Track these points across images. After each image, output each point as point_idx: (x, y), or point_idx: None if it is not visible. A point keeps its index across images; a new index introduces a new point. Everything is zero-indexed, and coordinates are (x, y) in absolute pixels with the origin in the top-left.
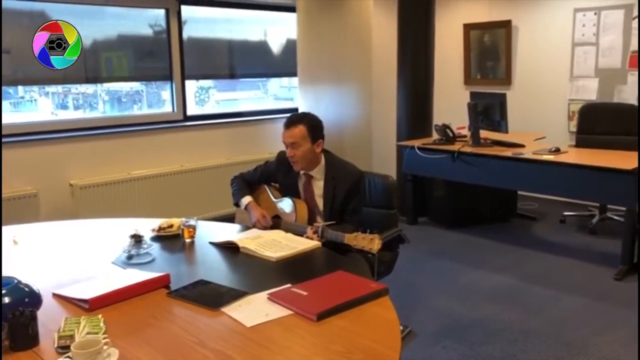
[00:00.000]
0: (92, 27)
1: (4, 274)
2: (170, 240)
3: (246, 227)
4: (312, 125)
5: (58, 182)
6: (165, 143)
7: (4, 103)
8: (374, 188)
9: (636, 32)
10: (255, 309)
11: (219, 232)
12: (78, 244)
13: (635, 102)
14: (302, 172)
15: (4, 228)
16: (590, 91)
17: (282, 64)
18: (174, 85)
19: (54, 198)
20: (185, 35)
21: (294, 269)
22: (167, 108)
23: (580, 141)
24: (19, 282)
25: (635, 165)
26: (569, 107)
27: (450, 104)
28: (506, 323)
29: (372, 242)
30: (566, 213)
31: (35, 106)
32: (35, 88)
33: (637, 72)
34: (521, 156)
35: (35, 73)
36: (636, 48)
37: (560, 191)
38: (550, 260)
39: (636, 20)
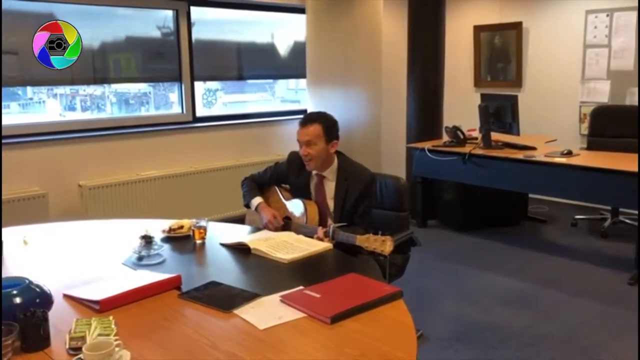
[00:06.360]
0: (100, 28)
1: (14, 274)
2: (180, 241)
3: (257, 229)
4: (327, 125)
5: (67, 183)
6: (175, 144)
7: (13, 104)
8: (385, 190)
9: None
10: (268, 311)
11: (230, 233)
12: (88, 245)
13: None
14: (314, 172)
15: (13, 229)
16: (602, 93)
17: (290, 66)
18: (183, 87)
19: (62, 199)
20: (193, 37)
21: (305, 270)
22: (175, 109)
23: (591, 144)
24: (30, 282)
25: None
26: (580, 110)
27: (461, 105)
28: (518, 327)
29: (384, 244)
30: (577, 216)
31: (44, 107)
32: (43, 89)
33: None
34: (533, 159)
35: (43, 74)
36: None
37: (572, 194)
38: (561, 264)
39: None
